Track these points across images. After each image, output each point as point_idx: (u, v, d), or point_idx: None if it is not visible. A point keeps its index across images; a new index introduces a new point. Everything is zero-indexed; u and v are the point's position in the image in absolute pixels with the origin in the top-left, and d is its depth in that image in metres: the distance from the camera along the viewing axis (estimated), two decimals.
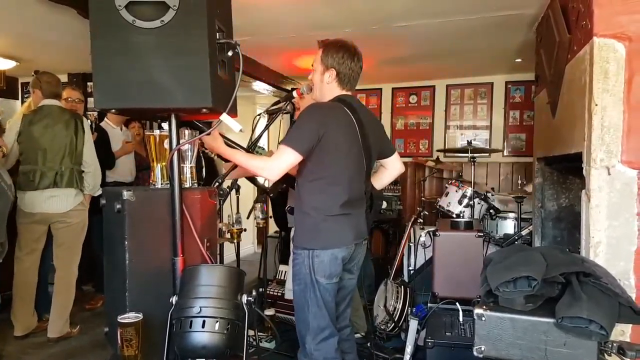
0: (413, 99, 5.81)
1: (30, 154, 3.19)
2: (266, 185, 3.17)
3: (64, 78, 5.38)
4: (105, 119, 4.14)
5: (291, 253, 2.22)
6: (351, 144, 2.03)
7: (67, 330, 3.32)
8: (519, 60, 4.51)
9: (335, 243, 1.98)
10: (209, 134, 1.96)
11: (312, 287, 1.98)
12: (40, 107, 3.27)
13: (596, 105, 1.98)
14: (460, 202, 3.84)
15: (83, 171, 3.33)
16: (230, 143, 1.98)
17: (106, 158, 3.94)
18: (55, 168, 3.19)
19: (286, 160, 1.89)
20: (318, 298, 1.98)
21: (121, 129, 4.24)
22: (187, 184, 1.97)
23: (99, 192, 3.39)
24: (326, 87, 2.12)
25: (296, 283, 2.04)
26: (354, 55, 2.10)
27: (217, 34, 1.62)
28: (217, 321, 1.56)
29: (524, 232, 3.57)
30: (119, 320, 1.54)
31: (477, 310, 1.57)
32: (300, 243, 2.03)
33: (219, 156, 2.21)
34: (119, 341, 1.53)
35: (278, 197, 3.41)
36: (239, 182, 2.74)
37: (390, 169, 2.35)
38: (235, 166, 2.12)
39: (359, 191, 2.10)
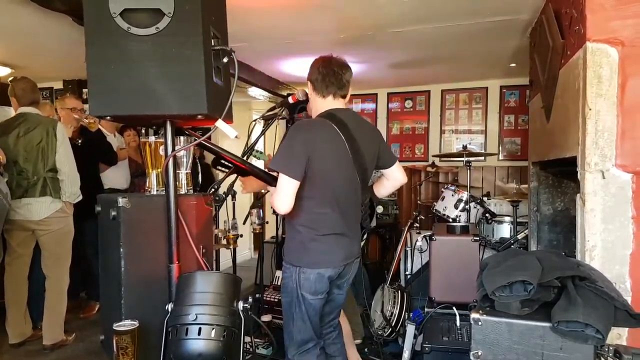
0: (408, 103, 5.83)
1: (6, 163, 3.15)
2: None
3: (59, 84, 5.37)
4: (99, 125, 4.12)
5: None
6: (340, 162, 2.00)
7: (62, 338, 3.29)
8: (513, 64, 4.53)
9: (322, 263, 1.99)
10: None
11: (298, 302, 2.01)
12: (16, 115, 3.26)
13: (590, 109, 1.99)
14: (456, 206, 3.85)
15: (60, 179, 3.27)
16: (225, 154, 1.98)
17: (106, 155, 3.94)
18: (28, 177, 3.17)
19: (286, 191, 1.88)
20: (303, 313, 2.02)
21: (114, 136, 4.23)
22: (183, 190, 1.97)
23: (79, 198, 3.34)
24: (311, 101, 2.16)
25: (284, 295, 2.08)
26: (323, 60, 2.08)
27: (212, 40, 1.62)
28: (213, 328, 1.55)
29: (519, 236, 3.58)
30: (114, 328, 1.53)
31: (474, 315, 1.57)
32: (288, 258, 2.06)
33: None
34: (115, 349, 1.52)
35: None
36: (234, 188, 2.74)
37: (391, 179, 2.31)
38: (230, 173, 2.14)
39: (352, 209, 2.09)
